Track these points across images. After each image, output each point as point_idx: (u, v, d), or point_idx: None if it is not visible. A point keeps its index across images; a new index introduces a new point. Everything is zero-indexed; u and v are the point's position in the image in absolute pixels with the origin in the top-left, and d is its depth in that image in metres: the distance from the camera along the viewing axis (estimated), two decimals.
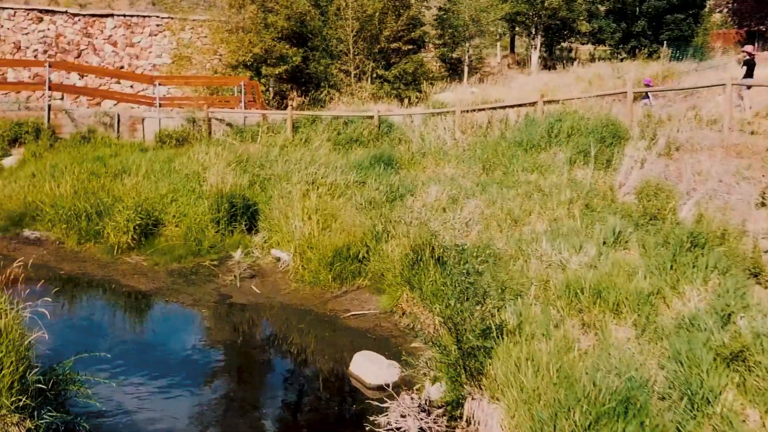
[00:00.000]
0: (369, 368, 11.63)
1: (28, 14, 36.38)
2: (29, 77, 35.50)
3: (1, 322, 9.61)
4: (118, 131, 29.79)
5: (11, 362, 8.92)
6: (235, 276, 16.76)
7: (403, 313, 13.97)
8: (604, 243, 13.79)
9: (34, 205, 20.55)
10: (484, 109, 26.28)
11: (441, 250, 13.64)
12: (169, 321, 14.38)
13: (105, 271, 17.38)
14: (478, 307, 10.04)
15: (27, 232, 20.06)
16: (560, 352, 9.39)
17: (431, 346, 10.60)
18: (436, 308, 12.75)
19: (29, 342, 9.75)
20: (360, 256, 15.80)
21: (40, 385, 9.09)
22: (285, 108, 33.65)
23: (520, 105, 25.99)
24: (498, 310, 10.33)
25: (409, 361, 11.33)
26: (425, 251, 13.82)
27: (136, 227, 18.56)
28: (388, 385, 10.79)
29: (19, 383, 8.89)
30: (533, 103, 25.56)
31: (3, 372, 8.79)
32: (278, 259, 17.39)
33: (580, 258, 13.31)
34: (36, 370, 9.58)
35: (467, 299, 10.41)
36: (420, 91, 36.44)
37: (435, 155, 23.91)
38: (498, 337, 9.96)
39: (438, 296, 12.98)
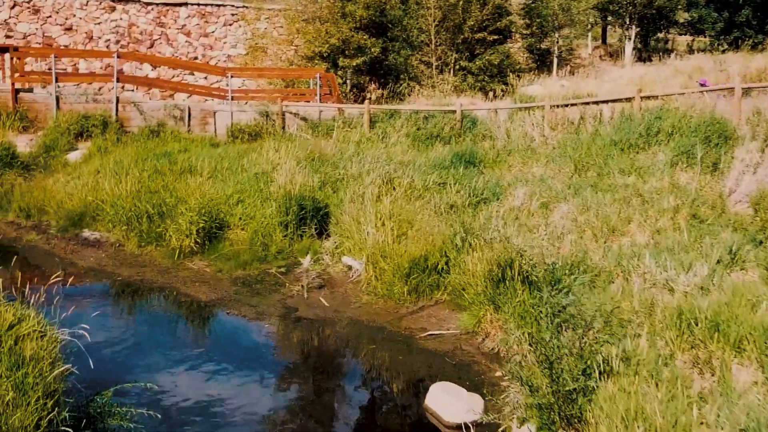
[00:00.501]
0: (447, 403, 10.40)
1: (100, 3, 36.02)
2: (101, 68, 35.15)
3: (29, 348, 8.68)
4: (188, 125, 29.10)
5: (37, 398, 7.96)
6: (302, 286, 15.70)
7: (487, 336, 12.71)
8: (718, 261, 12.33)
9: (94, 205, 19.83)
10: (575, 104, 24.83)
11: (529, 268, 12.30)
12: (227, 338, 13.35)
13: (165, 278, 16.50)
14: (576, 341, 8.74)
15: (86, 233, 19.35)
16: (673, 399, 8.03)
17: (520, 385, 9.34)
18: (524, 333, 11.51)
19: (64, 370, 8.80)
20: (439, 267, 14.58)
21: (65, 429, 8.06)
22: (362, 101, 32.59)
23: (615, 100, 24.45)
24: (601, 345, 9.00)
25: (493, 397, 10.10)
26: (511, 269, 12.50)
27: (200, 230, 17.66)
28: (468, 427, 9.57)
29: (46, 421, 7.92)
30: (629, 99, 24.04)
31: (28, 409, 7.83)
32: (349, 268, 16.27)
33: (689, 278, 11.90)
34: (70, 404, 8.65)
35: (564, 330, 9.14)
36: (506, 84, 35.01)
37: (522, 153, 22.61)
38: (601, 376, 8.65)
39: (526, 319, 11.71)
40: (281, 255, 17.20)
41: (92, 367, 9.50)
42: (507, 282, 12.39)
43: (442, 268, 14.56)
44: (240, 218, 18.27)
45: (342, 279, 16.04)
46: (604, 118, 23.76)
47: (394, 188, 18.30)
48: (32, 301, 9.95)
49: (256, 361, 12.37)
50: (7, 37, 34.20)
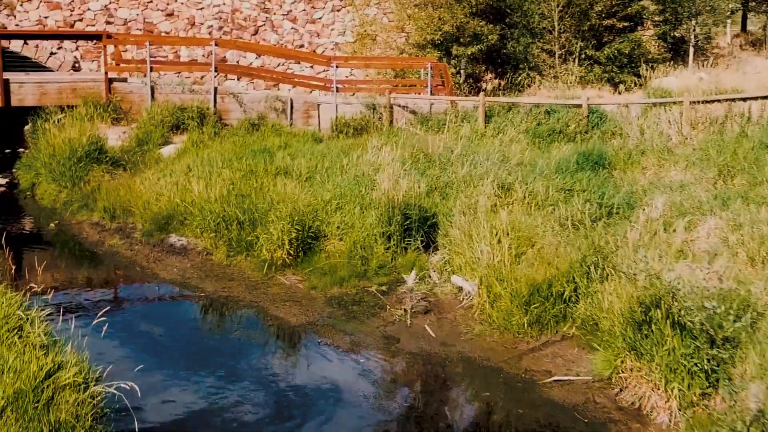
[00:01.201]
0: None
1: None
2: (203, 56, 34.12)
3: (63, 409, 7.15)
4: (291, 118, 27.74)
5: None
6: (405, 310, 13.90)
7: (625, 386, 10.69)
8: None
9: (182, 207, 18.46)
10: (719, 101, 22.34)
11: (681, 309, 10.20)
12: (316, 379, 11.63)
13: (253, 294, 14.97)
14: None
15: (173, 238, 18.01)
16: None
17: None
18: (674, 389, 9.52)
19: None
20: (566, 296, 12.58)
21: None
22: (477, 93, 30.71)
23: (765, 97, 21.88)
24: None
25: None
26: (658, 308, 10.41)
27: (293, 240, 16.05)
28: None
29: None
30: None
31: None
32: (460, 289, 14.38)
33: None
34: None
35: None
36: (638, 75, 32.47)
37: (658, 154, 20.30)
38: None
39: (677, 372, 9.69)
40: (382, 270, 15.45)
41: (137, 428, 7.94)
42: (652, 325, 10.33)
43: (570, 297, 12.57)
44: (338, 227, 16.60)
45: (451, 303, 14.18)
46: (752, 116, 21.31)
47: (512, 193, 16.38)
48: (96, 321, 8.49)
49: (346, 410, 10.64)
50: (108, 23, 33.46)
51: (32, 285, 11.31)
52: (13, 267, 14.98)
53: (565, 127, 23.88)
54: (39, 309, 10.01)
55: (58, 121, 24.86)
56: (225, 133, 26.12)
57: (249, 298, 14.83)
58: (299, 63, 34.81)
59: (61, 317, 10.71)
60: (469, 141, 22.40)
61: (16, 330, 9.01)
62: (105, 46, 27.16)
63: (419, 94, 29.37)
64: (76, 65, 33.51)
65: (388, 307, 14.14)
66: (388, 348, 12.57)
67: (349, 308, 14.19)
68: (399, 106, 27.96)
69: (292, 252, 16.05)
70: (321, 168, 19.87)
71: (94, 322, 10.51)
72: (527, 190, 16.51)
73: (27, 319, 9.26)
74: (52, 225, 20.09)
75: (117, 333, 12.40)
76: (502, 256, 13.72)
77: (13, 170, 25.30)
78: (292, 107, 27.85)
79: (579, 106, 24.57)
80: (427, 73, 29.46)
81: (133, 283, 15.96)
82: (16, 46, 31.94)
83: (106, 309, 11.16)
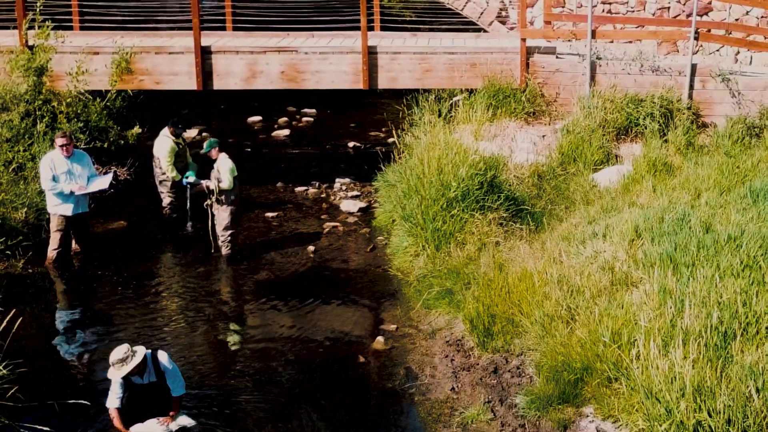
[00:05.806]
0: None
1: None
2: (679, 1, 22.84)
3: None
4: None
5: None
6: None
7: None
8: None
9: (610, 353, 8.98)
10: None
11: None
12: None
13: None
14: None
15: (586, 424, 8.72)
16: None
17: None
18: None
19: None
20: None
21: None
22: None
23: None
24: None
25: None
26: None
27: None
28: None
29: None
30: None
31: None
32: None
33: None
34: None
35: None
36: None
37: None
38: None
39: None
40: None
41: None
42: None
43: None
44: None
45: None
46: None
47: None
48: None
49: None
50: None
51: None
52: None
53: None
54: None
55: (443, 116, 16.47)
56: (703, 140, 16.42)
57: None
58: None
59: None
60: None
61: None
62: None
63: None
64: (503, 14, 24.38)
65: None
66: None
67: None
68: None
69: None
70: None
71: None
72: None
73: None
74: (380, 340, 11.50)
75: None
76: None
77: (374, 185, 17.28)
78: None
79: None
80: None
81: None
82: None
83: None
